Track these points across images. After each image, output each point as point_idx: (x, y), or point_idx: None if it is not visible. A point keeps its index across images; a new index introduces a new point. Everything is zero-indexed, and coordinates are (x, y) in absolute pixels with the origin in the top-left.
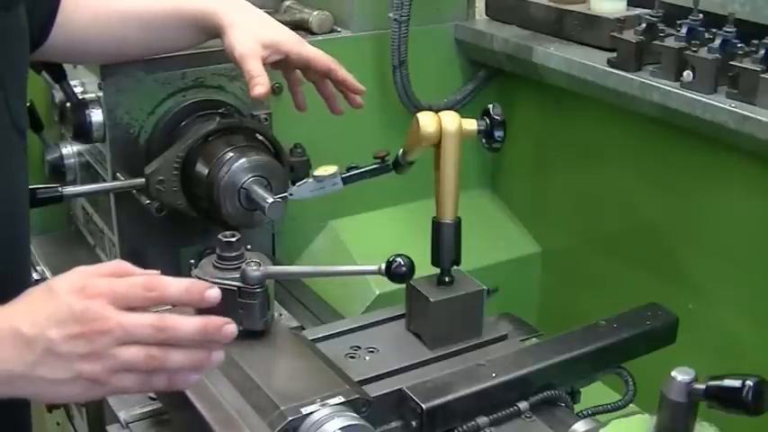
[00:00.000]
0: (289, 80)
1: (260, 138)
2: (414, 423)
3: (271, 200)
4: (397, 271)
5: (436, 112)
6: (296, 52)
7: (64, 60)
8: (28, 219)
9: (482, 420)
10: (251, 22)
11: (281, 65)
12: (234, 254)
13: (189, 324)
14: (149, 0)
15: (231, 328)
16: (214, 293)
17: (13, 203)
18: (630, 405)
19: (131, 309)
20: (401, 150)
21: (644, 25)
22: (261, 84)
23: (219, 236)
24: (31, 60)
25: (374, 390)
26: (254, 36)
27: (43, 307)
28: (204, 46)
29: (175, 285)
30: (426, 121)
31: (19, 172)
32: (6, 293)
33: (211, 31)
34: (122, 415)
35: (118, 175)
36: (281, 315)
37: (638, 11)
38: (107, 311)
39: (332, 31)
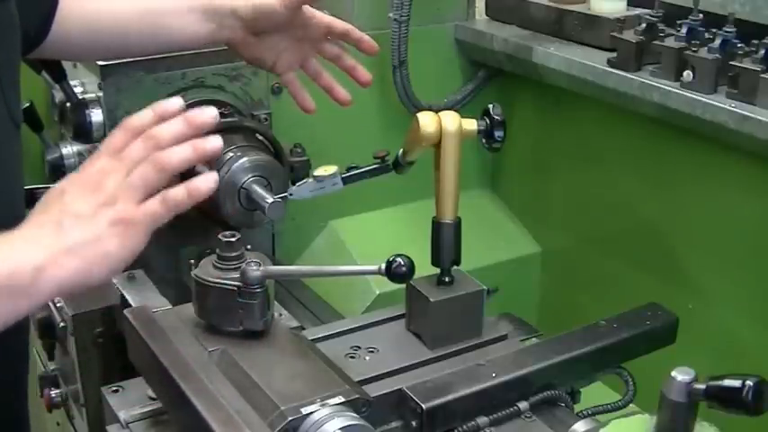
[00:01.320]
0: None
1: (260, 138)
2: (414, 423)
3: (271, 200)
4: (397, 271)
5: (436, 112)
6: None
7: (63, 58)
8: (24, 213)
9: (482, 420)
10: None
11: (307, 34)
12: (234, 254)
13: (172, 121)
14: None
15: (211, 108)
16: (175, 102)
17: (11, 194)
18: (630, 405)
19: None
20: (401, 150)
21: (644, 25)
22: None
23: (219, 236)
24: (30, 59)
25: (374, 390)
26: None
27: (49, 200)
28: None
29: (142, 112)
30: (426, 121)
31: (16, 164)
32: None
33: (223, 18)
34: (122, 415)
35: None
36: (281, 315)
37: (638, 11)
38: (103, 161)
39: None
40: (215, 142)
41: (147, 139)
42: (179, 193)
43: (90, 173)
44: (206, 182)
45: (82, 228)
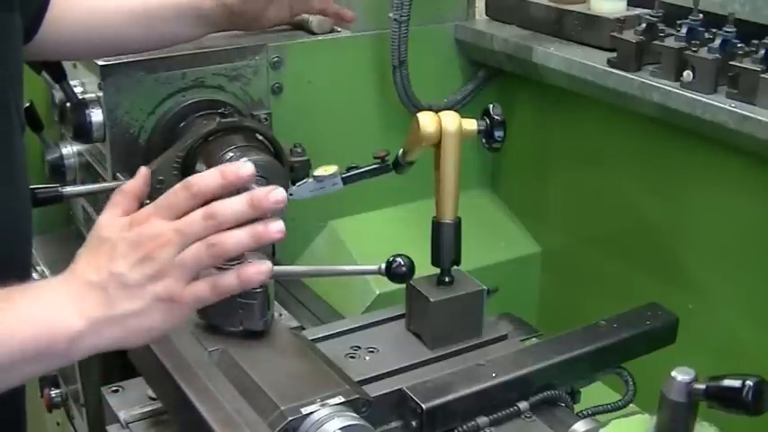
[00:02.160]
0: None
1: (260, 138)
2: (414, 423)
3: None
4: (397, 271)
5: (436, 112)
6: None
7: (51, 58)
8: (30, 215)
9: (482, 420)
10: None
11: None
12: None
13: (236, 200)
14: None
15: (280, 191)
16: (247, 168)
17: (18, 200)
18: (630, 405)
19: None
20: (401, 150)
21: (644, 25)
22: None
23: None
24: (30, 60)
25: (374, 390)
26: None
27: (101, 253)
28: (204, 46)
29: (208, 176)
30: (426, 121)
31: (23, 169)
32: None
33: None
34: (122, 415)
35: (118, 175)
36: (281, 315)
37: (638, 11)
38: (159, 226)
39: (332, 31)
40: (277, 229)
41: (209, 217)
42: (230, 281)
43: (145, 234)
44: (258, 273)
45: (129, 300)
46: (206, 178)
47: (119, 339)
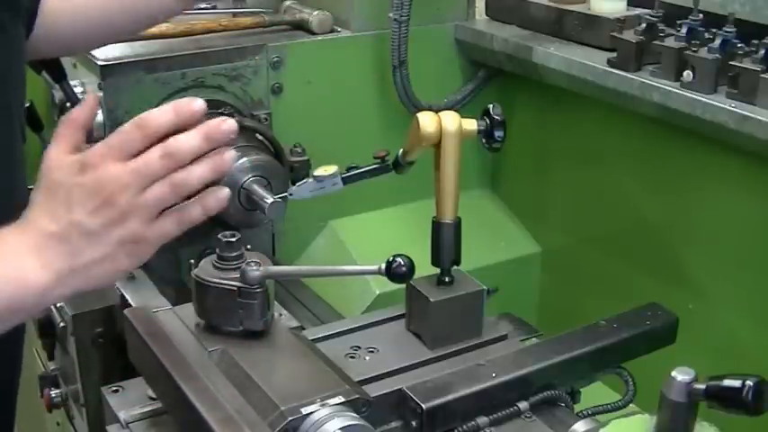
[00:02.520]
0: None
1: (260, 138)
2: (414, 423)
3: (271, 200)
4: (397, 271)
5: (436, 112)
6: None
7: (45, 55)
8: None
9: (482, 420)
10: None
11: None
12: (234, 254)
13: (191, 135)
14: None
15: (230, 121)
16: (198, 103)
17: (16, 194)
18: (630, 405)
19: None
20: (401, 150)
21: (644, 25)
22: None
23: (219, 236)
24: (29, 60)
25: (374, 390)
26: None
27: (57, 200)
28: (204, 46)
29: (161, 113)
30: (426, 121)
31: (22, 171)
32: None
33: None
34: (122, 415)
35: None
36: (281, 315)
37: (638, 11)
38: (115, 170)
39: (332, 31)
40: (230, 157)
41: (167, 156)
42: (195, 213)
43: (102, 180)
44: (218, 200)
45: (92, 247)
46: (159, 116)
47: (86, 286)
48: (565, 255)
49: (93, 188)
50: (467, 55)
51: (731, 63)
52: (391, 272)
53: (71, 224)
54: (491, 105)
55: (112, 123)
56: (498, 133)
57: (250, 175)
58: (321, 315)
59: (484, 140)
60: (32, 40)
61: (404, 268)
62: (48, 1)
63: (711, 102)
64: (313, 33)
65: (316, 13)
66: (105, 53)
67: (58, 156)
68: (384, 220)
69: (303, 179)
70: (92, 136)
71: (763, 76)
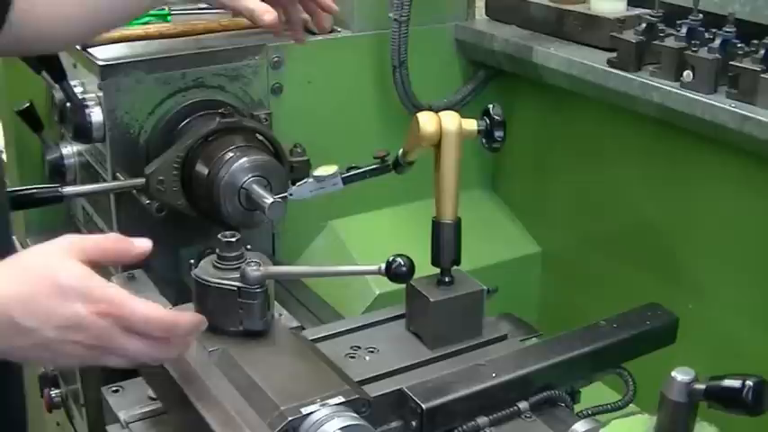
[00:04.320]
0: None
1: (260, 138)
2: (414, 423)
3: (271, 200)
4: (397, 271)
5: (436, 112)
6: None
7: (10, 54)
8: (8, 217)
9: (482, 420)
10: None
11: None
12: (234, 254)
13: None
14: None
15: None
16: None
17: None
18: (630, 405)
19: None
20: (401, 150)
21: (644, 25)
22: (266, 11)
23: (219, 236)
24: (30, 59)
25: (374, 390)
26: None
27: (46, 303)
28: (204, 46)
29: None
30: (426, 121)
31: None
32: None
33: None
34: (122, 415)
35: (118, 175)
36: (281, 315)
37: (638, 11)
38: (112, 332)
39: (332, 31)
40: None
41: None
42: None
43: (100, 331)
44: None
45: (38, 354)
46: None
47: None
48: (565, 255)
49: (84, 328)
50: (467, 55)
51: (731, 63)
52: (391, 272)
53: (40, 334)
54: (491, 105)
55: (112, 123)
56: (498, 133)
57: (250, 175)
58: (321, 315)
59: (484, 140)
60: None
61: (404, 268)
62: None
63: (711, 102)
64: (313, 33)
65: None
66: (105, 53)
67: (75, 263)
68: (384, 220)
69: (303, 179)
70: (91, 136)
71: (763, 76)
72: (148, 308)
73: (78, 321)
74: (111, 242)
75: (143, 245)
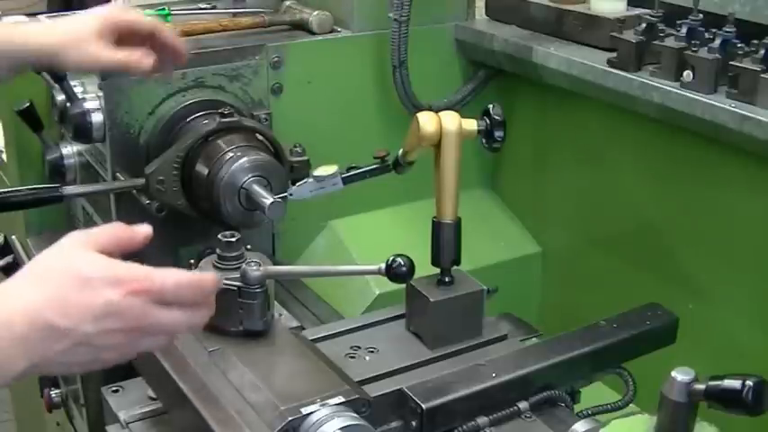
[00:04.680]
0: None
1: (260, 138)
2: (414, 423)
3: (271, 200)
4: (397, 271)
5: (436, 112)
6: (120, 18)
7: None
8: None
9: (482, 420)
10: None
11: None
12: (234, 254)
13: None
14: None
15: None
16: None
17: None
18: (630, 405)
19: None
20: (401, 150)
21: (644, 25)
22: (139, 59)
23: (219, 236)
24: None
25: (374, 390)
26: (90, 36)
27: (77, 299)
28: (204, 46)
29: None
30: (426, 121)
31: None
32: None
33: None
34: (122, 415)
35: (118, 175)
36: (281, 315)
37: (638, 11)
38: (147, 309)
39: (332, 31)
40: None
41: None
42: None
43: (135, 309)
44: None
45: (80, 355)
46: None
47: (43, 374)
48: (565, 255)
49: (120, 313)
50: (467, 55)
51: (731, 63)
52: (391, 272)
53: (78, 332)
54: (491, 105)
55: (112, 123)
56: (498, 133)
57: (250, 175)
58: (321, 315)
59: (484, 140)
60: None
61: (404, 268)
62: None
63: (711, 102)
64: (313, 33)
65: (316, 13)
66: None
67: (96, 255)
68: (384, 220)
69: (303, 179)
70: (91, 136)
71: (763, 76)
72: (176, 274)
73: (113, 307)
74: (121, 231)
75: (145, 230)
